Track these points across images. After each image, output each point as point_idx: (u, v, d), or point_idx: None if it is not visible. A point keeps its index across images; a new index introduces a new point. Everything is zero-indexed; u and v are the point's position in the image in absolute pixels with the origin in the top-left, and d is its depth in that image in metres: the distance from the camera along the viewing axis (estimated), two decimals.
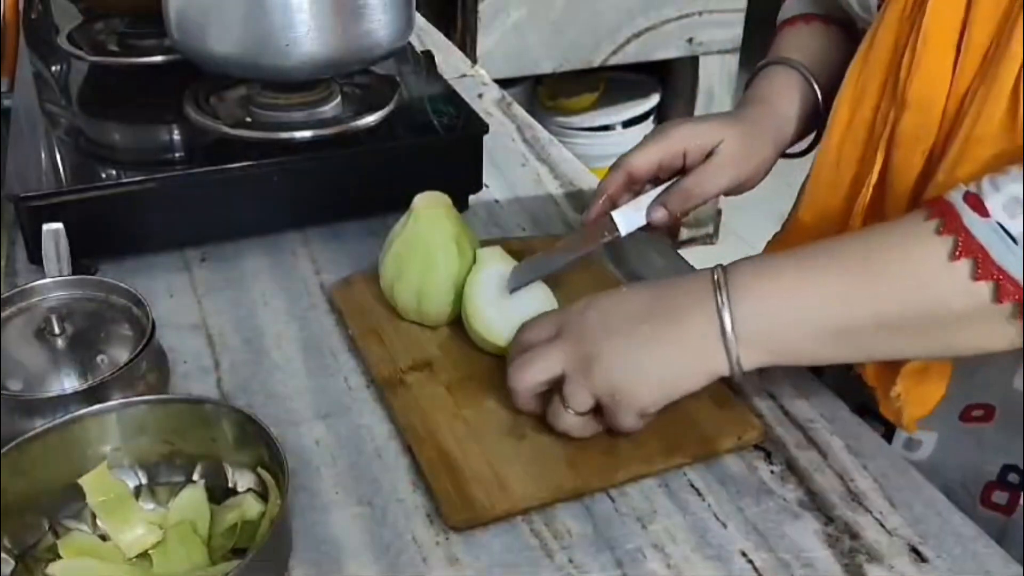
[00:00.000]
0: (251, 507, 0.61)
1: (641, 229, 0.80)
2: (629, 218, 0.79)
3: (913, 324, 0.60)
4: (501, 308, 0.74)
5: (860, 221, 0.71)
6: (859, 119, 0.71)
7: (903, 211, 0.69)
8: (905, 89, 0.67)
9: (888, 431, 0.77)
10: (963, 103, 0.64)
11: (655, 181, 0.81)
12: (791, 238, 0.78)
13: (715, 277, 0.63)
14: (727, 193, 0.81)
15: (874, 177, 0.70)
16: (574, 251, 0.78)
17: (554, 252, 0.78)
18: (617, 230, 0.78)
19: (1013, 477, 0.75)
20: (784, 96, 0.82)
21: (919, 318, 0.59)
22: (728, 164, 0.77)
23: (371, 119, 0.92)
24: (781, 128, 0.81)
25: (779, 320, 0.62)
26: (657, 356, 0.63)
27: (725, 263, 0.64)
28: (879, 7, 0.70)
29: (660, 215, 0.78)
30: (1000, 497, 0.76)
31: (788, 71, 0.83)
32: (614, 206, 0.80)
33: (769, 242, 0.81)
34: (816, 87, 0.82)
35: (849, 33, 0.84)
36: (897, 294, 0.60)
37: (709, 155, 0.77)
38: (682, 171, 0.79)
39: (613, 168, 0.78)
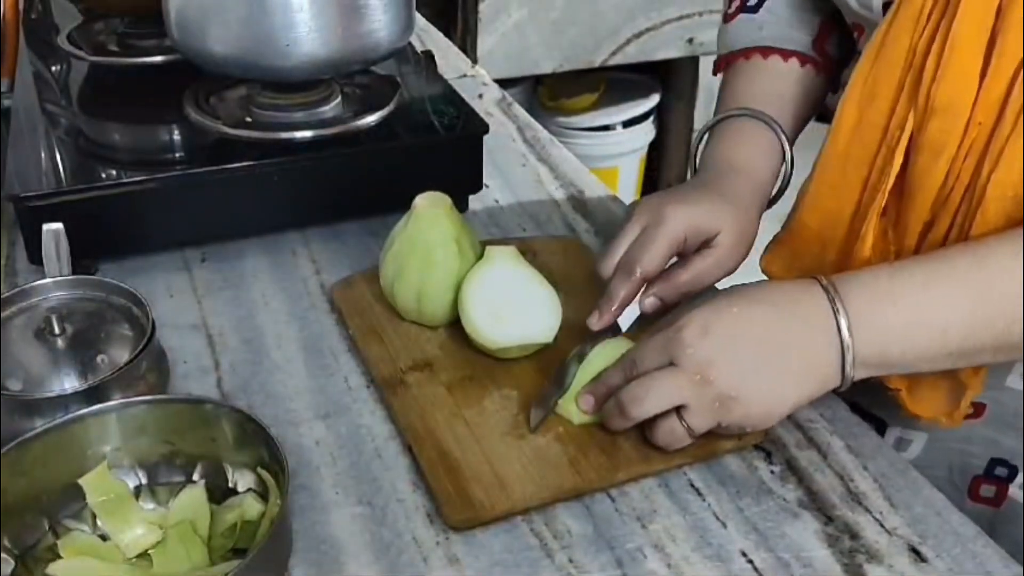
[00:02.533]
0: (251, 507, 0.61)
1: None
2: (627, 314, 0.75)
3: None
4: (497, 308, 0.74)
5: (873, 225, 0.70)
6: (868, 121, 0.69)
7: (924, 217, 0.68)
8: (931, 94, 0.65)
9: (878, 430, 0.77)
10: (1003, 108, 0.63)
11: None
12: (793, 240, 0.76)
13: (830, 298, 0.63)
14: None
15: (890, 182, 0.68)
16: (577, 362, 0.73)
17: (559, 374, 0.73)
18: (620, 330, 0.75)
19: (1001, 470, 0.75)
20: (763, 161, 0.79)
21: None
22: (725, 258, 0.75)
23: (371, 119, 0.92)
24: (763, 199, 0.79)
25: (899, 346, 0.64)
26: (791, 388, 0.65)
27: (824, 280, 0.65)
28: (885, 7, 0.68)
29: (654, 305, 0.74)
30: (987, 490, 0.76)
31: (760, 128, 0.79)
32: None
33: (769, 244, 0.80)
34: (786, 145, 0.79)
35: (813, 64, 0.82)
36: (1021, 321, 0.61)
37: (705, 242, 0.74)
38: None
39: (624, 273, 0.73)
